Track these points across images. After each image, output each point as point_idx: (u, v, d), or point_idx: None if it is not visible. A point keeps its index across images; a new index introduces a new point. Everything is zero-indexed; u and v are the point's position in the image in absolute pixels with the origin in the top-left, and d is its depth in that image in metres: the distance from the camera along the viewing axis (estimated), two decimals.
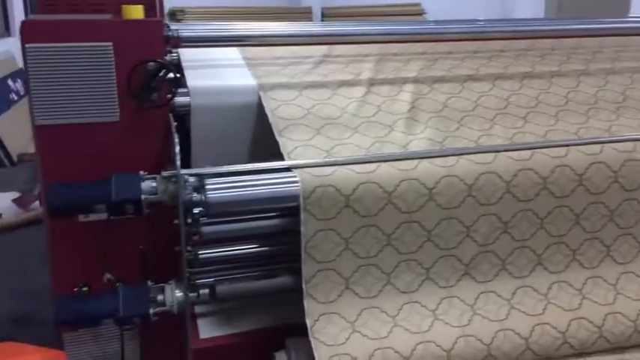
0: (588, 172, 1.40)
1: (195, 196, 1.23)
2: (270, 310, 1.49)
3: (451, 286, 1.36)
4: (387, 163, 1.32)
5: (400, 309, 1.31)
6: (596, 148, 1.44)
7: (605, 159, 1.43)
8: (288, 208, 1.29)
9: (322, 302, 1.28)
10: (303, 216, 1.25)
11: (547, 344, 1.32)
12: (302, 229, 1.25)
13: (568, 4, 3.47)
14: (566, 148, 1.44)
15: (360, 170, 1.29)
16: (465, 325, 1.31)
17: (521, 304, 1.36)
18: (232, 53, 1.74)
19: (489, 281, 1.38)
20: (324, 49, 1.86)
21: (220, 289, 1.34)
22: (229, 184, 1.24)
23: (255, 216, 1.36)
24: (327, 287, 1.29)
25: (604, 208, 1.43)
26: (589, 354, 1.34)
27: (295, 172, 1.28)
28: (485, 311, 1.34)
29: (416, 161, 1.34)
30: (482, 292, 1.36)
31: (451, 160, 1.36)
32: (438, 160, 1.35)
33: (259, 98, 1.53)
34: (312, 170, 1.27)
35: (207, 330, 1.48)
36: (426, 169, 1.33)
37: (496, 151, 1.40)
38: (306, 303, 1.27)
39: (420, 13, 8.35)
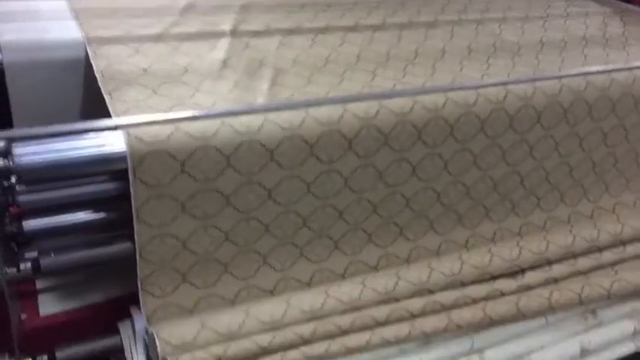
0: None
1: (2, 161, 1.09)
2: (118, 279, 1.40)
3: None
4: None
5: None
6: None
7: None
8: (117, 171, 1.18)
9: (159, 296, 1.23)
10: (136, 227, 1.16)
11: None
12: (136, 238, 1.17)
13: None
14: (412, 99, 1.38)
15: (198, 178, 1.17)
16: None
17: None
18: (58, 4, 1.59)
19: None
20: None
21: (47, 262, 1.23)
22: (42, 146, 1.10)
23: (85, 181, 1.24)
24: (164, 282, 1.23)
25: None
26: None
27: (123, 136, 1.14)
28: None
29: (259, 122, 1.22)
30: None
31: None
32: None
33: (87, 53, 1.40)
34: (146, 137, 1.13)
35: (48, 306, 1.40)
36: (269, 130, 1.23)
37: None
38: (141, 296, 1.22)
39: None
